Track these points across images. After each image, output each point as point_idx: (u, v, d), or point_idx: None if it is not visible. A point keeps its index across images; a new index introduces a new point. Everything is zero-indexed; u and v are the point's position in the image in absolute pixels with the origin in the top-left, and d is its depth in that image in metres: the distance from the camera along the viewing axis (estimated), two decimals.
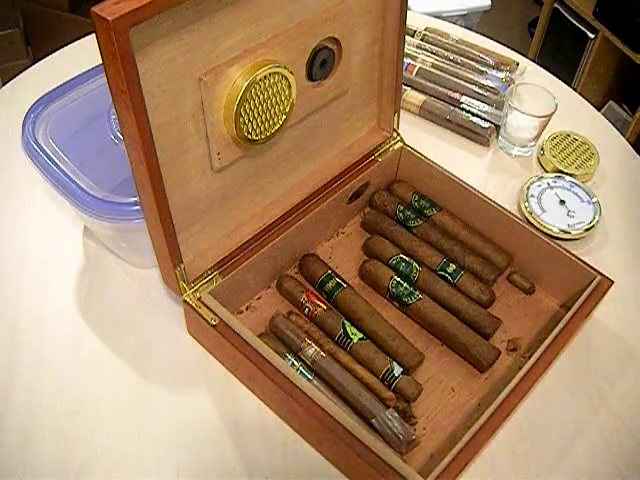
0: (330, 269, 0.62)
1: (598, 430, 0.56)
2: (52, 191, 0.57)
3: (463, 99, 0.83)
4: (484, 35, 0.97)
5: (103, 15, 0.37)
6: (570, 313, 0.56)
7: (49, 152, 0.58)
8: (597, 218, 0.70)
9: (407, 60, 0.88)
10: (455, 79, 0.86)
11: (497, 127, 0.81)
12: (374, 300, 0.62)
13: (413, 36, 0.93)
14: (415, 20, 0.96)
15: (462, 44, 0.92)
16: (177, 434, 0.54)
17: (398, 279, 0.61)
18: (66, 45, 0.89)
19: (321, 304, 0.59)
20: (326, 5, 0.53)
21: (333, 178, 0.64)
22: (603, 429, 0.56)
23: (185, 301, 0.55)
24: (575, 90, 0.90)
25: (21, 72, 0.85)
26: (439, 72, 0.87)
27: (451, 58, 0.89)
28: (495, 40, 0.96)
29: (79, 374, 0.57)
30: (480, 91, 0.84)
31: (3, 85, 0.85)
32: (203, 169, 0.52)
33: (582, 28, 1.84)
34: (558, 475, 0.53)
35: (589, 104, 0.88)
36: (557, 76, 0.92)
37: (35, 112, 0.61)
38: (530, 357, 0.53)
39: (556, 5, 1.92)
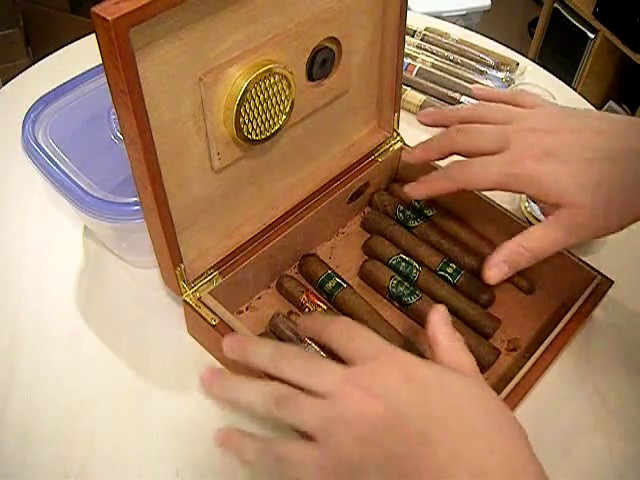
0: (330, 269, 0.62)
1: (598, 430, 0.56)
2: (52, 191, 0.57)
3: (463, 99, 0.83)
4: (484, 35, 0.97)
5: (103, 15, 0.37)
6: (570, 313, 0.56)
7: (49, 152, 0.58)
8: None
9: (407, 60, 0.88)
10: (455, 79, 0.86)
11: None
12: (374, 300, 0.62)
13: (413, 36, 0.93)
14: (415, 20, 0.96)
15: (462, 44, 0.92)
16: (177, 434, 0.54)
17: (398, 279, 0.61)
18: (66, 45, 0.89)
19: (321, 304, 0.59)
20: (326, 5, 0.53)
21: (333, 178, 0.64)
22: (603, 429, 0.56)
23: (185, 301, 0.55)
24: (575, 90, 0.90)
25: (21, 72, 0.85)
26: (439, 72, 0.87)
27: (451, 58, 0.89)
28: (495, 40, 0.96)
29: (79, 374, 0.57)
30: None
31: (3, 85, 0.85)
32: (203, 169, 0.52)
33: (582, 28, 1.84)
34: (558, 475, 0.53)
35: (589, 104, 0.88)
36: (557, 76, 0.92)
37: (35, 112, 0.61)
38: (530, 357, 0.53)
39: (556, 5, 1.92)
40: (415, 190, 0.56)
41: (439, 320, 0.44)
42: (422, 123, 0.59)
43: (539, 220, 0.68)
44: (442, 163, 0.67)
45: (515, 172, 0.49)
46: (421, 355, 0.57)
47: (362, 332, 0.42)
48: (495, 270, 0.50)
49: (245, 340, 0.44)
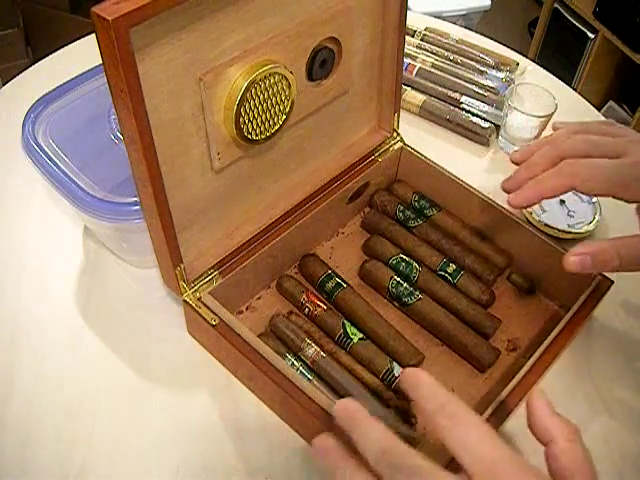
0: (330, 269, 0.62)
1: (598, 430, 0.56)
2: (52, 191, 0.57)
3: (463, 99, 0.83)
4: (484, 35, 0.97)
5: (103, 15, 0.37)
6: (570, 313, 0.56)
7: (49, 152, 0.58)
8: (597, 218, 0.70)
9: (407, 60, 0.88)
10: (455, 79, 0.86)
11: (497, 127, 0.81)
12: (374, 300, 0.62)
13: (413, 36, 0.93)
14: (415, 20, 0.96)
15: (462, 44, 0.92)
16: (177, 434, 0.54)
17: (398, 279, 0.61)
18: (66, 45, 0.89)
19: (321, 304, 0.59)
20: (326, 5, 0.53)
21: (333, 178, 0.64)
22: (603, 429, 0.56)
23: (185, 301, 0.55)
24: (575, 90, 0.90)
25: (21, 72, 0.85)
26: (439, 72, 0.87)
27: (451, 58, 0.89)
28: (495, 40, 0.96)
29: (79, 374, 0.57)
30: (480, 91, 0.84)
31: (3, 85, 0.85)
32: (203, 169, 0.52)
33: (582, 28, 1.84)
34: None
35: (589, 104, 0.88)
36: (557, 76, 0.92)
37: (35, 112, 0.61)
38: (530, 357, 0.53)
39: (556, 5, 1.92)
40: (521, 197, 0.51)
41: (546, 411, 0.39)
42: (515, 162, 0.55)
43: (539, 220, 0.68)
44: (448, 166, 0.67)
45: (638, 175, 0.46)
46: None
47: (486, 434, 0.36)
48: (577, 259, 0.47)
49: (358, 414, 0.39)
